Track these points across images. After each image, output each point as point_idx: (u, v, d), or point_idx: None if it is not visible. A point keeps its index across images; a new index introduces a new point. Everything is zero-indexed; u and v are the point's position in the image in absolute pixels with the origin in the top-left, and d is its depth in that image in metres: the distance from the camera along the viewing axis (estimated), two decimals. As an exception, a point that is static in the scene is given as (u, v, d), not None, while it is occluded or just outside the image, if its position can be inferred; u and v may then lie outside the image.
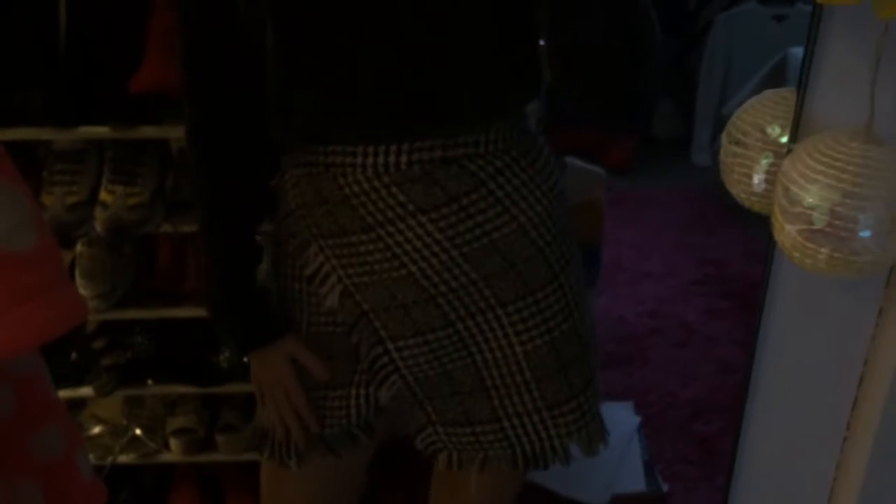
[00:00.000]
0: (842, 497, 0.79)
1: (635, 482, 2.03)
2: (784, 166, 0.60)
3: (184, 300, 1.59)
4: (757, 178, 0.64)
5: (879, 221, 0.56)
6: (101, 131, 1.44)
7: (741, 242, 3.05)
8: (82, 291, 1.50)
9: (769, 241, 0.65)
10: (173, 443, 1.71)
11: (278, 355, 1.09)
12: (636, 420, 2.21)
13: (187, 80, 1.03)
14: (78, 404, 1.75)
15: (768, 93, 0.68)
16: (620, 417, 2.22)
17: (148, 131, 1.45)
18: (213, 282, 1.10)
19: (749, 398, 0.75)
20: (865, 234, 0.56)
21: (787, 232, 0.59)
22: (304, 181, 1.03)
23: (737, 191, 0.67)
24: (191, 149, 1.06)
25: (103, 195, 1.49)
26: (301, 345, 1.09)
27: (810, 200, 0.56)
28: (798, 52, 2.63)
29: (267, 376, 1.11)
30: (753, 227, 3.15)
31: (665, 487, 2.00)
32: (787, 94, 0.66)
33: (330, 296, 1.05)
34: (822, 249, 0.57)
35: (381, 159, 0.97)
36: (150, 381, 1.65)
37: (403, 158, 0.97)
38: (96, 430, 1.74)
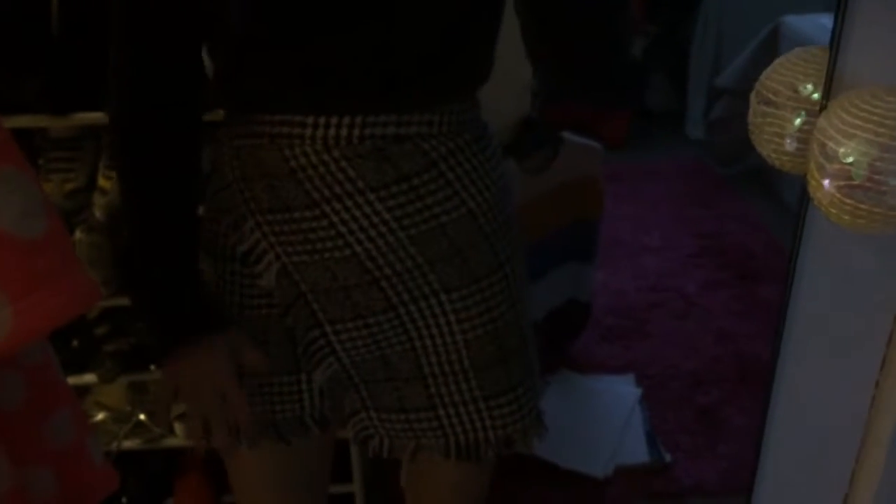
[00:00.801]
0: (864, 475, 0.79)
1: (638, 453, 2.05)
2: (819, 123, 0.59)
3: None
4: (789, 138, 0.64)
5: (920, 175, 0.55)
6: (97, 117, 1.41)
7: (737, 214, 3.06)
8: (84, 277, 1.48)
9: (801, 202, 0.65)
10: (178, 427, 1.70)
11: (218, 348, 0.98)
12: (637, 392, 2.22)
13: (118, 39, 0.94)
14: (81, 392, 1.74)
15: (798, 50, 0.67)
16: (622, 390, 2.24)
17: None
18: (151, 258, 0.98)
19: (776, 378, 0.75)
20: (906, 188, 0.55)
21: (824, 189, 0.58)
22: (244, 153, 0.98)
23: (767, 151, 0.66)
24: (119, 109, 0.96)
25: (101, 181, 1.47)
26: (245, 338, 1.01)
27: (849, 156, 0.56)
28: (791, 20, 2.64)
29: (196, 372, 0.98)
30: (749, 198, 3.18)
31: (668, 457, 2.02)
32: (817, 51, 0.66)
33: (266, 275, 1.00)
34: (861, 205, 0.56)
35: (332, 131, 0.94)
36: (153, 367, 1.64)
37: (356, 132, 0.93)
38: (100, 416, 1.73)
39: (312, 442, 1.13)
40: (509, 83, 1.94)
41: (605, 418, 2.15)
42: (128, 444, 1.70)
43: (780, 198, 2.98)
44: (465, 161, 1.00)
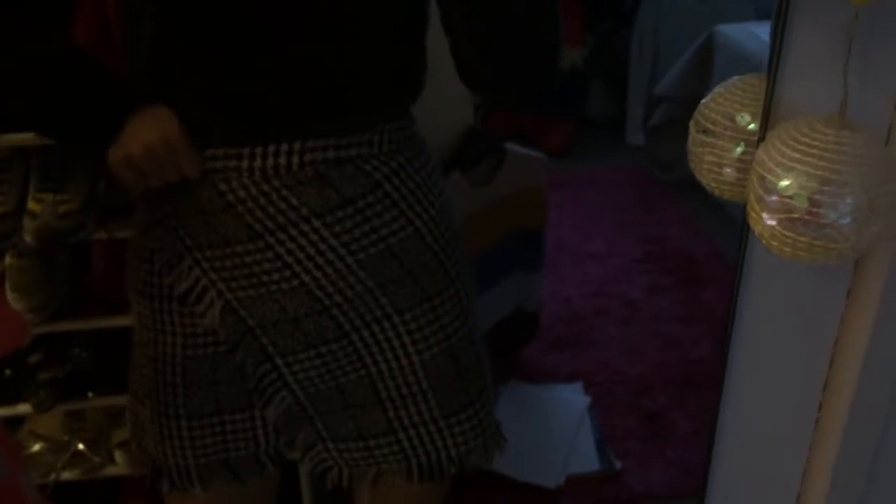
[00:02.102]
0: (815, 476, 0.81)
1: (589, 462, 2.06)
2: (758, 155, 0.59)
3: (123, 308, 1.53)
4: (728, 168, 0.64)
5: (858, 208, 0.56)
6: (26, 138, 1.36)
7: (679, 219, 3.10)
8: (15, 305, 1.43)
9: (743, 228, 0.65)
10: (119, 456, 1.66)
11: (162, 110, 0.91)
12: (586, 400, 2.24)
13: None
14: (15, 422, 1.68)
15: (735, 80, 0.67)
16: (571, 398, 2.25)
17: (76, 135, 1.39)
18: (56, 69, 0.91)
19: (725, 383, 0.75)
20: (845, 220, 0.56)
21: (764, 222, 0.58)
22: (174, 187, 0.94)
23: (707, 180, 0.67)
24: None
25: (31, 204, 1.42)
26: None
27: (788, 189, 0.56)
28: (724, 29, 2.69)
29: (152, 133, 0.90)
30: (689, 203, 3.23)
31: (618, 465, 2.04)
32: (754, 80, 0.66)
33: (209, 313, 0.97)
34: (802, 238, 0.57)
35: (270, 161, 0.91)
36: (90, 394, 1.59)
37: (295, 159, 0.91)
38: (36, 447, 1.67)
39: (267, 482, 1.10)
40: (451, 95, 1.93)
41: (556, 427, 2.15)
42: (66, 475, 1.65)
43: (718, 203, 3.03)
44: (408, 179, 0.99)
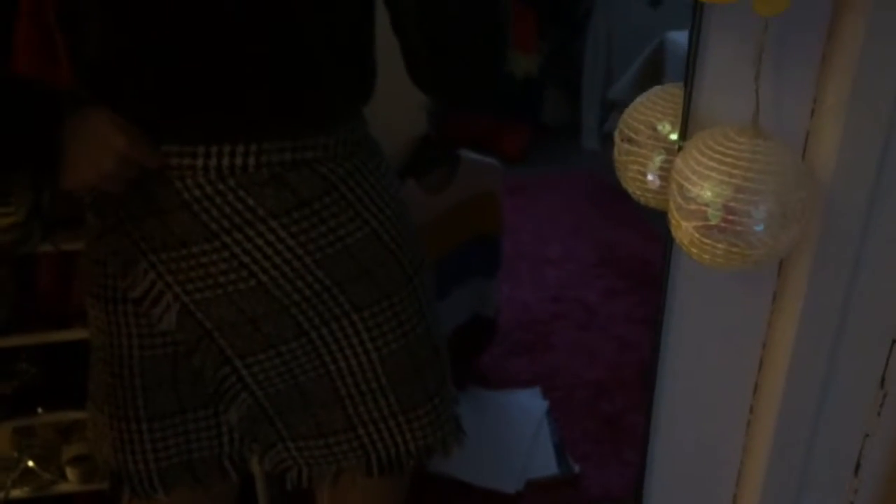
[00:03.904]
0: (748, 481, 0.82)
1: (548, 466, 2.06)
2: (676, 164, 0.61)
3: (71, 322, 1.51)
4: (651, 176, 0.65)
5: (771, 215, 0.57)
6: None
7: (634, 223, 3.14)
8: (-43, 322, 1.41)
9: (667, 235, 0.66)
10: (70, 472, 1.63)
11: (100, 114, 0.89)
12: (544, 404, 2.25)
13: None
14: (-38, 440, 1.65)
15: (657, 90, 0.68)
16: (529, 403, 2.26)
17: (18, 147, 1.37)
18: None
19: (657, 389, 0.77)
20: (759, 227, 0.57)
21: (683, 229, 0.59)
22: (129, 193, 0.93)
23: (632, 188, 0.68)
24: None
25: (-25, 220, 1.40)
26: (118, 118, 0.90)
27: (704, 197, 0.57)
28: (674, 36, 2.73)
29: (103, 160, 0.88)
30: (644, 208, 3.26)
31: (576, 468, 2.05)
32: (675, 90, 0.67)
33: (165, 317, 0.97)
34: (719, 245, 0.58)
35: (225, 161, 0.91)
36: (40, 410, 1.56)
37: (251, 160, 0.91)
38: (-17, 465, 1.64)
39: (225, 484, 1.10)
40: (404, 101, 1.94)
41: (515, 433, 2.16)
42: (16, 492, 1.61)
43: (674, 205, 3.07)
44: (363, 180, 0.99)
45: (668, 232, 0.66)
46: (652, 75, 2.72)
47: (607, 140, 3.29)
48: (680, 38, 2.66)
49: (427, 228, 1.89)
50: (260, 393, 1.02)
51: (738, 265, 0.59)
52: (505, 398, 2.28)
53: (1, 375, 1.57)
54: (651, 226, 3.08)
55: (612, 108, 3.00)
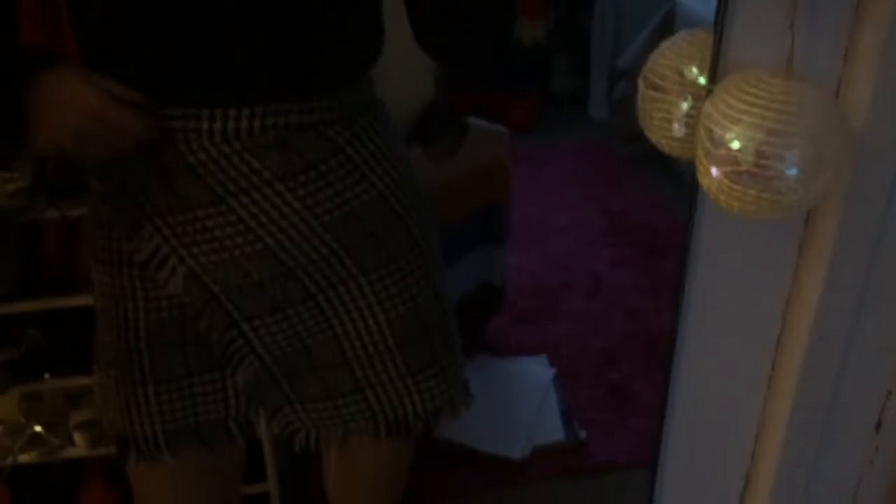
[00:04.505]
0: (769, 433, 0.81)
1: (554, 432, 2.07)
2: (705, 108, 0.59)
3: (77, 288, 1.50)
4: (677, 123, 0.63)
5: (805, 159, 0.55)
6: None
7: (641, 192, 3.12)
8: (-37, 286, 1.40)
9: (693, 185, 0.65)
10: (77, 437, 1.63)
11: (69, 73, 0.86)
12: (551, 372, 2.25)
13: None
14: (-31, 406, 1.65)
15: (683, 34, 0.67)
16: (536, 371, 2.26)
17: (22, 110, 1.35)
18: None
19: (676, 345, 0.75)
20: (792, 171, 0.55)
21: (712, 176, 0.58)
22: (135, 157, 0.92)
23: (656, 137, 0.66)
24: None
25: (-22, 185, 1.38)
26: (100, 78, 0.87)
27: (735, 141, 0.55)
28: (685, 1, 2.69)
29: (71, 116, 0.85)
30: (651, 176, 3.24)
31: (583, 434, 2.05)
32: (702, 34, 0.65)
33: (172, 280, 0.96)
34: (749, 191, 0.56)
35: (231, 124, 0.89)
36: (47, 376, 1.56)
37: (256, 123, 0.90)
38: (-8, 431, 1.64)
39: (232, 449, 1.09)
40: (411, 69, 1.91)
41: (521, 400, 2.16)
42: (24, 457, 1.62)
43: (680, 175, 3.05)
44: (369, 142, 0.99)
45: (694, 183, 0.65)
46: (661, 42, 2.69)
47: (615, 109, 3.27)
48: (691, 3, 2.62)
49: (434, 196, 1.87)
50: (267, 356, 1.02)
51: (767, 213, 0.57)
52: (512, 366, 2.28)
53: (8, 342, 1.57)
54: (660, 195, 3.06)
55: (621, 77, 2.97)
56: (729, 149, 0.55)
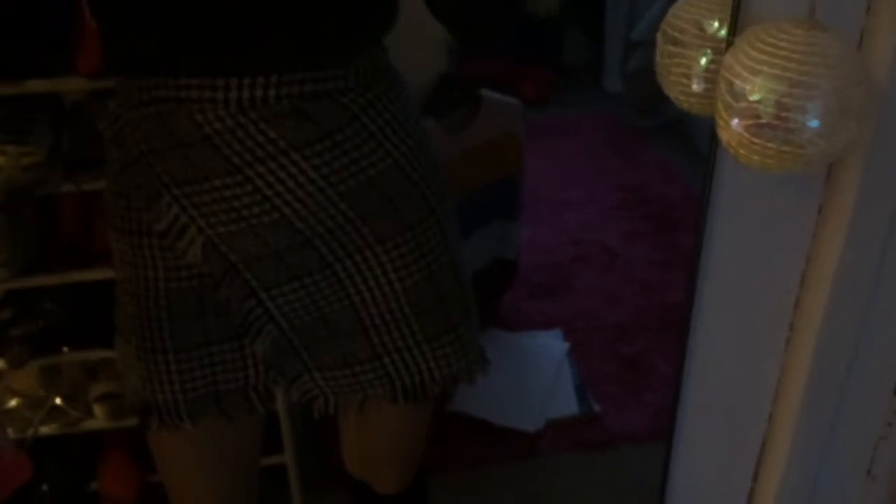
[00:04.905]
0: (785, 399, 0.81)
1: (568, 405, 2.08)
2: (726, 61, 0.58)
3: (94, 261, 1.51)
4: (696, 78, 0.63)
5: (827, 110, 0.55)
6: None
7: (655, 165, 3.10)
8: (-17, 260, 1.41)
9: (710, 143, 0.64)
10: (97, 409, 1.65)
11: None
12: (565, 346, 2.25)
13: None
14: (-9, 378, 1.67)
15: (702, -12, 0.66)
16: (550, 345, 2.26)
17: (37, 85, 1.36)
18: None
19: (695, 303, 0.75)
20: (814, 123, 0.55)
21: (732, 129, 0.57)
22: (149, 123, 0.93)
23: (675, 93, 0.65)
24: None
25: (-4, 157, 1.39)
26: None
27: (756, 93, 0.55)
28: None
29: None
30: (666, 149, 3.22)
31: (597, 408, 2.06)
32: (722, -13, 0.64)
33: (191, 250, 0.97)
34: (770, 144, 0.56)
35: (245, 93, 0.90)
36: (65, 349, 1.57)
37: (272, 92, 0.90)
38: (13, 402, 1.66)
39: (251, 417, 1.10)
40: (425, 40, 1.90)
41: (535, 374, 2.17)
42: (44, 429, 1.64)
43: (695, 148, 3.03)
44: (384, 110, 0.98)
45: (712, 140, 0.64)
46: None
47: (629, 81, 3.24)
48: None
49: (448, 169, 1.86)
50: (285, 325, 1.02)
51: (788, 166, 0.57)
52: (526, 340, 2.28)
53: (26, 315, 1.58)
54: (674, 168, 3.04)
55: (636, 49, 2.94)
56: (749, 101, 0.55)
